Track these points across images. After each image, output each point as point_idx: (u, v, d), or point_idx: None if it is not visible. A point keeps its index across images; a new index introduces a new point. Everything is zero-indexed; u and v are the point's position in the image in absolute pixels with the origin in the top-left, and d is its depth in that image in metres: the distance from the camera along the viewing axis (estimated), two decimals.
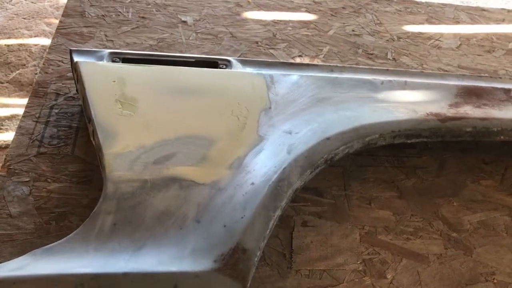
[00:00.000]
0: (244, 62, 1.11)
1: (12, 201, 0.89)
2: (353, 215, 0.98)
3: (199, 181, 0.82)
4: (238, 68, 1.08)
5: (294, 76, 1.05)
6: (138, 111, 0.90)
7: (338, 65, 1.17)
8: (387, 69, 1.17)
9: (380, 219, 0.99)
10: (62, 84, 1.15)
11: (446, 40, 1.56)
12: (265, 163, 0.84)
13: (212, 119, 0.92)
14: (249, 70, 1.09)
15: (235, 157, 0.86)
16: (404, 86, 1.08)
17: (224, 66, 1.09)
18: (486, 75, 1.27)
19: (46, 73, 1.17)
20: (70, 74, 1.18)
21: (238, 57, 1.34)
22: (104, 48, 1.30)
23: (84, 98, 0.93)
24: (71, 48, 1.07)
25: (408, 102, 1.02)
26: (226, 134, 0.89)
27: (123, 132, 0.86)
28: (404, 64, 1.42)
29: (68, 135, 1.03)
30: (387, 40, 1.51)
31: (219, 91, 0.97)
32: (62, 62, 1.22)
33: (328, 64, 1.18)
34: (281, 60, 1.24)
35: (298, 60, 1.38)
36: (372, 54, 1.45)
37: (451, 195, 1.05)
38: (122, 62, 1.05)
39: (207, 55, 1.30)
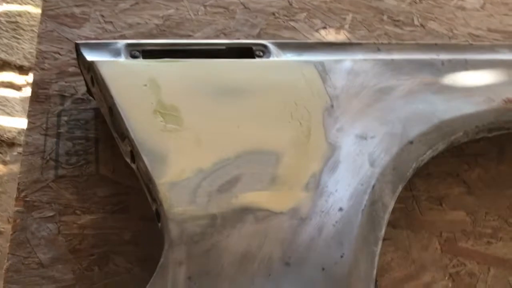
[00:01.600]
0: (282, 46, 0.95)
1: (39, 244, 0.73)
2: (427, 220, 0.88)
3: (275, 209, 0.68)
4: (277, 54, 0.93)
5: (347, 61, 0.91)
6: (184, 123, 0.74)
7: (383, 42, 1.03)
8: (435, 44, 1.04)
9: (456, 222, 0.89)
10: (65, 82, 0.96)
11: (469, 0, 1.44)
12: (347, 181, 0.71)
13: (270, 126, 0.77)
14: (290, 56, 0.93)
15: (310, 175, 0.72)
16: (466, 65, 0.95)
17: (261, 53, 0.93)
18: None
19: (43, 69, 0.97)
20: (71, 69, 0.99)
21: (258, 33, 1.18)
22: (103, 31, 1.10)
23: (113, 110, 0.76)
24: (77, 42, 0.88)
25: (478, 87, 0.90)
26: (292, 145, 0.75)
27: (173, 153, 0.71)
28: (434, 30, 1.30)
29: (87, 149, 0.86)
30: (409, 3, 1.38)
31: (269, 89, 0.82)
32: (59, 53, 1.02)
33: (372, 42, 1.03)
34: (319, 41, 1.09)
35: (323, 32, 1.22)
36: (398, 21, 1.31)
37: None
38: (143, 57, 0.87)
39: (230, 37, 1.13)
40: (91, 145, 0.86)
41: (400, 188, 0.71)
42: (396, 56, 0.96)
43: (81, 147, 0.86)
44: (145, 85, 0.78)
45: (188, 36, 1.14)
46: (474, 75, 0.94)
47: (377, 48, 0.99)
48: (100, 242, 0.75)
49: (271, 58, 0.92)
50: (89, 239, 0.74)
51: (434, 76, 0.91)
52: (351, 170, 0.73)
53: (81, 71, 0.90)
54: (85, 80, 0.90)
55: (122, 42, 0.89)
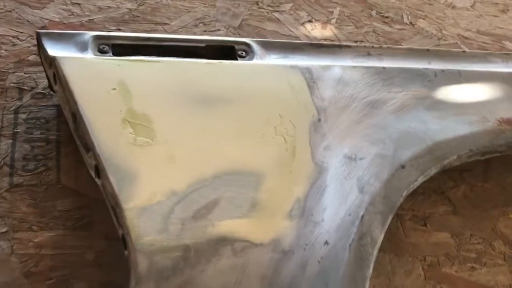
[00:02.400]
0: (266, 46, 0.87)
1: None
2: (411, 243, 0.83)
3: (255, 240, 0.62)
4: (261, 55, 0.85)
5: (336, 68, 0.84)
6: (157, 137, 0.67)
7: (374, 45, 0.96)
8: (428, 49, 0.98)
9: (440, 244, 0.85)
10: (24, 73, 0.87)
11: None
12: (335, 209, 0.65)
13: (253, 142, 0.70)
14: (275, 58, 0.86)
15: (294, 200, 0.66)
16: (459, 78, 0.90)
17: (244, 53, 0.85)
18: None
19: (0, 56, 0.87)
20: (32, 57, 0.89)
21: (239, 24, 1.10)
22: (69, 14, 1.00)
23: (76, 116, 0.67)
24: (38, 31, 0.78)
25: (472, 103, 0.85)
26: (275, 164, 0.69)
27: (143, 172, 0.63)
28: (423, 30, 1.24)
29: (47, 154, 0.77)
30: None
31: (253, 98, 0.75)
32: (18, 38, 0.92)
33: (362, 45, 0.97)
34: (306, 41, 1.01)
35: (308, 27, 1.15)
36: (387, 17, 1.25)
37: (504, 203, 0.93)
38: (113, 52, 0.78)
39: (209, 27, 1.05)
40: (52, 148, 0.78)
41: (389, 220, 0.65)
42: (387, 63, 0.90)
43: (41, 151, 0.77)
44: (114, 88, 0.70)
45: (164, 24, 1.05)
46: (467, 88, 0.89)
47: (367, 52, 0.92)
48: (59, 264, 0.67)
49: (254, 60, 0.84)
50: (47, 261, 0.67)
51: (426, 89, 0.86)
52: (338, 196, 0.67)
53: (42, 62, 0.81)
54: (46, 73, 0.80)
55: (89, 34, 0.80)
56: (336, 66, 0.85)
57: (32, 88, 0.84)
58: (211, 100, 0.73)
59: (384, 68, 0.87)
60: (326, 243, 0.62)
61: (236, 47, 0.85)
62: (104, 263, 0.68)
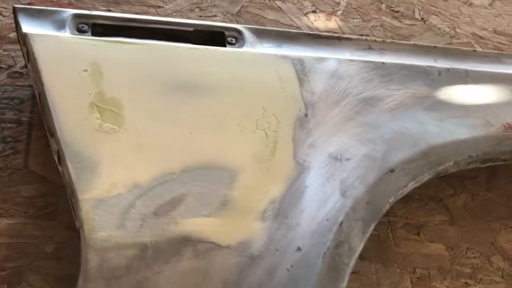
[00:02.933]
0: (259, 34, 0.82)
1: None
2: (400, 253, 0.77)
3: (221, 242, 0.57)
4: (252, 43, 0.80)
5: (331, 61, 0.78)
6: (125, 123, 0.62)
7: (376, 39, 0.90)
8: (435, 47, 0.91)
9: (433, 256, 0.79)
10: (3, 51, 0.82)
11: None
12: (312, 213, 0.60)
13: (230, 135, 0.65)
14: (267, 47, 0.80)
15: (269, 200, 0.60)
16: (466, 78, 0.83)
17: (234, 40, 0.80)
18: None
19: None
20: (13, 35, 0.84)
21: (238, 11, 1.04)
22: None
23: (41, 97, 0.63)
24: (15, 6, 0.74)
25: (477, 106, 0.78)
26: (253, 160, 0.63)
27: (105, 162, 0.58)
28: (435, 27, 1.17)
29: (17, 136, 0.73)
30: None
31: (235, 87, 0.70)
32: (1, 14, 0.87)
33: (364, 37, 0.90)
34: (304, 31, 0.95)
35: (312, 17, 1.09)
36: (397, 11, 1.18)
37: (507, 216, 0.86)
38: (92, 32, 0.73)
39: (206, 12, 1.00)
40: (22, 131, 0.73)
41: (371, 228, 0.60)
42: (388, 58, 0.84)
43: (11, 133, 0.73)
44: (86, 70, 0.65)
45: (158, 7, 1.00)
46: (474, 90, 0.82)
47: (368, 45, 0.86)
48: (15, 254, 0.63)
49: (244, 48, 0.78)
50: (2, 250, 0.63)
51: (428, 88, 0.79)
52: (318, 198, 0.61)
53: (18, 39, 0.76)
54: (22, 51, 0.76)
55: (69, 12, 0.75)
56: (332, 58, 0.79)
57: (10, 66, 0.80)
58: (191, 87, 0.68)
59: (383, 63, 0.81)
60: (299, 249, 0.57)
61: (226, 33, 0.80)
62: (64, 256, 0.64)
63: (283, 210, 0.60)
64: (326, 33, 0.90)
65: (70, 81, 0.63)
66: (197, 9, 1.02)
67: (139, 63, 0.68)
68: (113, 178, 0.57)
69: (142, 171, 0.59)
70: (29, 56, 0.68)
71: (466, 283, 0.77)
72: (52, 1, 0.93)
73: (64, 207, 0.67)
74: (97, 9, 0.94)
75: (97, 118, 0.61)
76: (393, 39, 1.10)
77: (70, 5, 0.93)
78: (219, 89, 0.69)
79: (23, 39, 0.71)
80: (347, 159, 0.66)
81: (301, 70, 0.75)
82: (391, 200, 0.63)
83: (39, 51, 0.65)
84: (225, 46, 0.79)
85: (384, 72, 0.79)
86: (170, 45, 0.72)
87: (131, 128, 0.62)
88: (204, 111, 0.66)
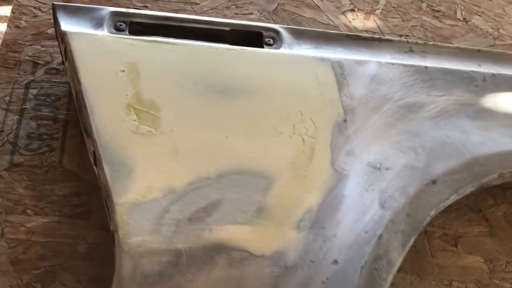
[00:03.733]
0: (297, 34, 0.80)
1: None
2: (437, 264, 0.75)
3: (255, 251, 0.55)
4: (290, 44, 0.78)
5: (371, 64, 0.76)
6: (161, 126, 0.61)
7: (418, 41, 0.87)
8: (479, 50, 0.88)
9: (470, 269, 0.76)
10: (41, 47, 0.83)
11: None
12: (350, 224, 0.58)
13: (266, 140, 0.63)
14: (305, 48, 0.78)
15: (305, 209, 0.59)
16: (511, 85, 0.80)
17: (272, 40, 0.78)
18: None
19: (18, 27, 0.84)
20: (51, 31, 0.85)
21: (275, 9, 1.02)
22: None
23: (79, 97, 0.63)
24: (54, 3, 0.74)
25: None
26: (289, 167, 0.62)
27: (141, 165, 0.58)
28: (478, 28, 1.13)
29: (53, 134, 0.73)
30: None
31: (273, 90, 0.68)
32: (40, 10, 0.88)
33: (405, 40, 0.87)
34: (343, 32, 0.93)
35: (350, 16, 1.06)
36: (438, 11, 1.14)
37: None
38: (130, 30, 0.73)
39: (242, 10, 0.98)
40: (58, 128, 0.74)
41: (411, 242, 0.58)
42: (431, 62, 0.81)
43: (47, 130, 0.73)
44: (123, 70, 0.65)
45: (194, 4, 0.99)
46: None
47: (410, 48, 0.84)
48: (49, 253, 0.63)
49: (282, 49, 0.77)
50: (37, 248, 0.63)
51: (472, 95, 0.76)
52: (356, 209, 0.59)
53: (56, 37, 0.76)
54: (59, 48, 0.76)
55: (107, 9, 0.75)
56: (372, 62, 0.76)
57: (47, 62, 0.80)
58: (228, 90, 0.66)
59: (426, 67, 0.78)
60: (335, 262, 0.55)
61: (264, 33, 0.78)
62: (97, 256, 0.63)
63: (319, 220, 0.58)
64: (365, 34, 0.87)
65: (108, 81, 0.63)
66: (233, 7, 1.00)
67: (176, 64, 0.67)
68: (148, 182, 0.57)
69: (178, 175, 0.58)
70: (67, 54, 0.68)
71: None
72: None
73: (98, 207, 0.67)
74: (134, 6, 0.94)
75: (134, 120, 0.61)
76: (434, 40, 1.06)
77: (108, 1, 0.93)
78: (256, 91, 0.67)
79: (61, 37, 0.71)
80: (387, 169, 0.64)
81: (341, 73, 0.73)
82: (432, 213, 0.60)
83: (77, 49, 0.65)
84: (262, 46, 0.77)
85: (426, 77, 0.77)
86: (208, 45, 0.71)
87: (168, 131, 0.61)
88: (241, 114, 0.65)
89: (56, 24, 0.73)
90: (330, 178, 0.62)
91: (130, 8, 0.93)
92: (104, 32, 0.70)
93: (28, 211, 0.65)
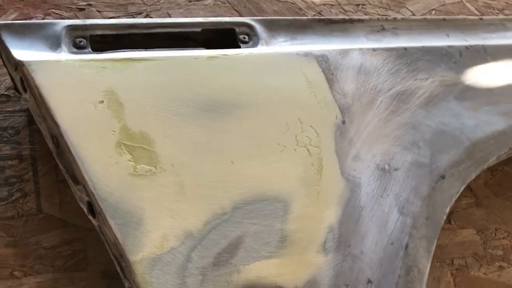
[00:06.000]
0: (269, 26, 0.75)
1: None
2: (437, 245, 0.76)
3: (288, 285, 0.53)
4: (266, 38, 0.73)
5: (354, 54, 0.73)
6: (161, 162, 0.55)
7: (387, 17, 0.84)
8: (444, 19, 0.87)
9: (466, 244, 0.78)
10: None
11: None
12: (375, 237, 0.57)
13: (273, 158, 0.59)
14: (282, 41, 0.74)
15: (326, 228, 0.57)
16: (485, 55, 0.81)
17: (247, 37, 0.72)
18: None
19: None
20: None
21: None
22: None
23: (59, 141, 0.55)
24: None
25: (504, 88, 0.76)
26: (301, 184, 0.59)
27: (150, 212, 0.52)
28: None
29: (22, 175, 0.65)
30: None
31: (267, 100, 0.63)
32: None
33: (375, 17, 0.84)
34: (313, 17, 0.88)
35: None
36: None
37: None
38: (92, 47, 0.64)
39: (194, 1, 0.90)
40: (26, 167, 0.65)
41: (434, 245, 0.57)
42: (405, 40, 0.79)
43: (13, 172, 0.64)
44: (102, 101, 0.57)
45: None
46: (495, 68, 0.79)
47: (381, 26, 0.81)
48: None
49: (259, 46, 0.71)
50: None
51: (453, 73, 0.76)
52: (376, 219, 0.58)
53: (3, 61, 0.66)
54: (9, 72, 0.66)
55: (60, 24, 0.65)
56: (355, 50, 0.73)
57: None
58: (220, 107, 0.61)
59: (405, 49, 0.76)
60: (369, 281, 0.54)
61: (237, 29, 0.72)
62: None
63: (343, 237, 0.56)
64: (336, 17, 0.83)
65: (88, 118, 0.55)
66: None
67: (158, 85, 0.60)
68: (162, 231, 0.51)
69: (191, 216, 0.53)
70: (27, 86, 0.59)
71: (500, 266, 0.77)
72: (23, 0, 0.81)
73: (94, 253, 0.61)
74: (76, 5, 0.83)
75: (128, 160, 0.54)
76: (389, 6, 1.05)
77: (44, 2, 0.82)
78: (249, 104, 0.62)
79: (14, 65, 0.61)
80: (396, 169, 0.62)
81: (327, 68, 0.69)
82: (447, 210, 0.60)
83: (43, 84, 0.56)
84: (238, 45, 0.71)
85: (408, 59, 0.75)
86: (186, 56, 0.64)
87: (169, 166, 0.55)
88: (240, 133, 0.60)
89: (2, 47, 0.63)
90: (344, 189, 0.59)
91: (73, 8, 0.83)
92: (65, 54, 0.61)
93: (16, 272, 0.58)
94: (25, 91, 0.61)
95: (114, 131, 0.55)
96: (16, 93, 0.70)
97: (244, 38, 0.72)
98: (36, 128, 0.68)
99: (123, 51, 0.64)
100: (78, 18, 0.82)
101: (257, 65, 0.67)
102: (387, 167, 0.62)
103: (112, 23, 0.68)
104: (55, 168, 0.65)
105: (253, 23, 0.74)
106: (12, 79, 0.67)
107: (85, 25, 0.66)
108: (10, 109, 0.68)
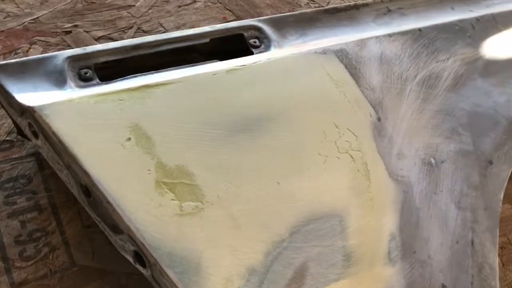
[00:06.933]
0: (277, 25, 0.71)
1: None
2: None
3: None
4: (277, 40, 0.68)
5: (371, 43, 0.69)
6: (206, 195, 0.51)
7: None
8: None
9: (505, 219, 0.77)
10: None
11: None
12: (438, 238, 0.54)
13: (318, 171, 0.56)
14: (293, 40, 0.70)
15: (388, 237, 0.54)
16: (496, 24, 0.78)
17: (257, 41, 0.68)
18: None
19: None
20: None
21: None
22: (5, 17, 0.76)
23: (92, 191, 0.50)
24: None
25: None
26: (352, 194, 0.55)
27: (207, 253, 0.48)
28: None
29: (46, 227, 0.59)
30: None
31: (295, 108, 0.59)
32: None
33: (378, 0, 0.81)
34: (318, 9, 0.84)
35: None
36: None
37: None
38: (101, 77, 0.59)
39: (183, 6, 0.85)
40: (48, 217, 0.59)
41: (498, 237, 0.55)
42: (415, 20, 0.76)
43: (36, 225, 0.59)
44: (129, 139, 0.52)
45: (129, 7, 0.83)
46: (508, 37, 0.77)
47: (387, 8, 0.78)
48: None
49: (273, 49, 0.67)
50: None
51: (472, 48, 0.74)
52: (436, 219, 0.55)
53: (1, 103, 0.60)
54: (10, 116, 0.60)
55: (59, 56, 0.59)
56: (371, 39, 0.70)
57: None
58: (250, 125, 0.57)
59: (420, 30, 0.73)
60: (444, 286, 0.51)
61: (245, 34, 0.68)
62: None
63: (406, 244, 0.53)
64: (341, 5, 0.79)
65: (119, 160, 0.50)
66: None
67: (183, 110, 0.56)
68: (224, 272, 0.47)
69: (250, 250, 0.49)
70: (38, 131, 0.53)
71: None
72: (3, 31, 0.74)
73: None
74: (61, 28, 0.77)
75: (172, 200, 0.49)
76: None
77: (27, 31, 0.75)
78: (281, 115, 0.58)
79: (19, 111, 0.55)
80: (442, 162, 0.59)
81: (349, 63, 0.66)
82: (501, 196, 0.58)
83: (61, 129, 0.51)
84: (250, 51, 0.67)
85: (425, 41, 0.72)
86: (204, 73, 0.60)
87: (214, 198, 0.51)
88: (278, 150, 0.56)
89: (1, 91, 0.56)
90: (396, 192, 0.56)
91: (58, 32, 0.76)
92: (75, 91, 0.56)
93: None
94: (36, 137, 0.55)
95: (149, 170, 0.50)
96: (20, 138, 0.63)
97: (255, 42, 0.68)
98: (48, 172, 0.62)
99: (135, 78, 0.59)
100: (66, 42, 0.76)
101: (278, 71, 0.63)
102: (433, 160, 0.59)
103: (115, 46, 0.62)
104: (79, 214, 0.59)
105: (260, 24, 0.69)
106: (15, 124, 0.61)
107: (87, 54, 0.60)
108: (16, 156, 0.62)
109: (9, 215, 0.58)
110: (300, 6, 0.92)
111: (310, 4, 0.93)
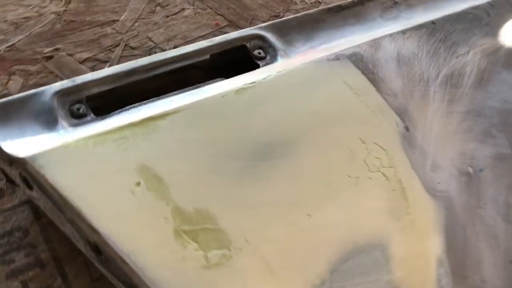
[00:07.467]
0: (280, 31, 0.65)
1: None
2: None
3: None
4: (284, 49, 0.63)
5: (385, 42, 0.64)
6: (233, 240, 0.45)
7: None
8: None
9: None
10: None
11: None
12: (489, 259, 0.49)
13: (350, 196, 0.50)
14: (301, 47, 0.64)
15: (436, 264, 0.49)
16: (511, 8, 0.73)
17: (262, 52, 0.62)
18: None
19: None
20: None
21: None
22: None
23: (102, 249, 0.43)
24: None
25: None
26: (391, 218, 0.50)
27: None
28: None
29: (51, 284, 0.53)
30: None
31: (315, 126, 0.54)
32: None
33: None
34: (321, 8, 0.77)
35: None
36: None
37: None
38: (94, 110, 0.52)
39: (170, 16, 0.78)
40: (52, 274, 0.53)
41: None
42: (424, 11, 0.71)
43: (39, 284, 0.52)
44: (138, 183, 0.45)
45: (113, 23, 0.76)
46: None
47: (393, 1, 0.72)
48: None
49: (280, 60, 0.61)
50: None
51: (490, 38, 0.68)
52: (484, 237, 0.50)
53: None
54: (2, 170, 0.53)
55: (46, 91, 0.52)
56: (384, 38, 0.64)
57: None
58: (271, 150, 0.51)
59: (433, 22, 0.68)
60: None
61: (248, 45, 0.61)
62: None
63: (456, 269, 0.48)
64: (344, 2, 0.73)
65: (131, 210, 0.44)
66: (158, 8, 0.79)
67: (193, 143, 0.49)
68: None
69: None
70: (32, 183, 0.47)
71: None
72: None
73: None
74: (41, 53, 0.69)
75: (196, 250, 0.43)
76: None
77: (3, 60, 0.67)
78: (301, 136, 0.53)
79: (8, 161, 0.48)
80: (480, 170, 0.54)
81: (366, 68, 0.60)
82: None
83: (62, 183, 0.44)
84: (256, 64, 0.61)
85: (441, 34, 0.67)
86: (211, 97, 0.53)
87: (242, 243, 0.45)
88: (305, 177, 0.50)
89: None
90: (436, 210, 0.51)
91: (38, 59, 0.69)
92: (69, 133, 0.49)
93: None
94: (30, 188, 0.48)
95: (166, 218, 0.44)
96: (9, 185, 0.56)
97: (260, 53, 0.62)
98: (46, 221, 0.56)
99: (134, 108, 0.52)
100: (48, 69, 0.68)
101: (291, 85, 0.57)
102: (470, 170, 0.54)
103: (107, 74, 0.55)
104: (86, 265, 0.53)
105: (262, 32, 0.63)
106: (3, 172, 0.54)
107: (77, 86, 0.53)
108: (8, 206, 0.56)
109: (7, 275, 0.52)
110: (295, 3, 0.85)
111: (305, 0, 0.87)
